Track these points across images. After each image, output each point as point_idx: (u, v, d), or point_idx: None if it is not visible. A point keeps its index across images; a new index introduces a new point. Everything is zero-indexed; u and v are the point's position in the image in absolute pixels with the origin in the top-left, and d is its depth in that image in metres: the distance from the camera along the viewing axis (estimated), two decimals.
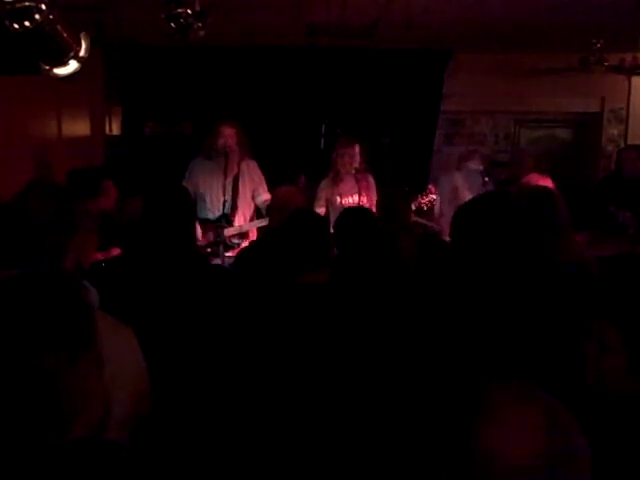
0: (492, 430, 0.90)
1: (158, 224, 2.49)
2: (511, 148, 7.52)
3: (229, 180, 4.69)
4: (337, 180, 4.91)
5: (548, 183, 3.83)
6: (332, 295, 2.24)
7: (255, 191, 4.84)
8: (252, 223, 4.74)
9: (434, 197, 4.81)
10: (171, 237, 2.46)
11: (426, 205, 4.84)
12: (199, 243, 4.63)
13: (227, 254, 4.46)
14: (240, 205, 4.80)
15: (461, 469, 0.90)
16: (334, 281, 2.28)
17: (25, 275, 1.16)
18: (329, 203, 4.91)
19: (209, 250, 4.61)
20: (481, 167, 5.89)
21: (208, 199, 4.77)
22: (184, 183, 4.74)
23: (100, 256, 3.64)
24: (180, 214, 2.53)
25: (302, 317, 2.16)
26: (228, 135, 4.64)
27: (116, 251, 3.80)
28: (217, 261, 4.42)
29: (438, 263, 3.36)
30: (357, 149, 4.85)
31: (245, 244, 4.51)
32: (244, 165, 4.79)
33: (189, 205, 2.66)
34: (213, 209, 4.74)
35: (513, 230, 2.29)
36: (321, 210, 4.82)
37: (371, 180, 5.00)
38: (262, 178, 4.88)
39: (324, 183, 5.00)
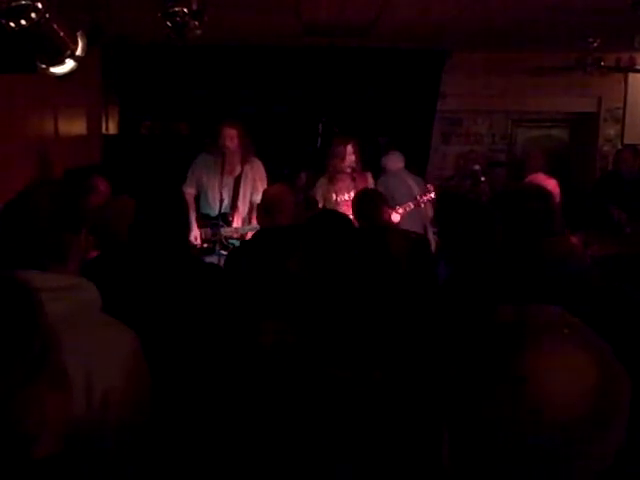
0: (538, 368, 0.80)
1: (150, 227, 2.48)
2: (508, 148, 7.55)
3: (227, 180, 4.73)
4: (333, 179, 4.93)
5: (552, 183, 3.84)
6: (325, 291, 2.24)
7: (254, 189, 4.85)
8: (250, 227, 4.74)
9: (432, 196, 4.80)
10: (163, 239, 2.45)
11: (425, 204, 4.84)
12: (195, 240, 4.67)
13: (223, 252, 4.48)
14: (240, 205, 4.83)
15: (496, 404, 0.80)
16: (325, 278, 2.28)
17: None
18: (325, 200, 4.93)
19: (205, 246, 4.64)
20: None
21: (210, 196, 4.83)
22: (189, 176, 4.86)
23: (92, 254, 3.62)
24: (171, 217, 2.51)
25: (294, 312, 2.16)
26: (229, 136, 4.67)
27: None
28: (213, 258, 4.44)
29: (424, 260, 3.38)
30: (350, 149, 4.84)
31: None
32: (247, 166, 4.82)
33: (181, 208, 2.65)
34: (213, 206, 4.80)
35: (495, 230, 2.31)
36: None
37: (370, 179, 5.00)
38: (264, 179, 4.90)
39: (321, 181, 5.05)
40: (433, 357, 2.07)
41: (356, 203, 3.85)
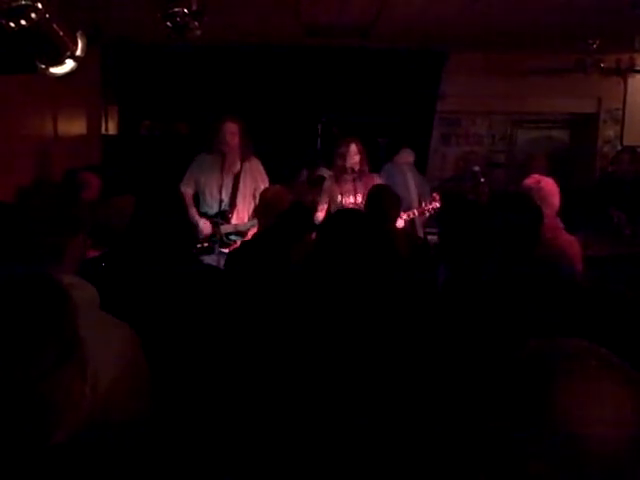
0: (570, 400, 0.77)
1: (148, 227, 2.48)
2: (507, 149, 7.55)
3: (227, 179, 4.72)
4: (338, 179, 4.90)
5: (550, 185, 3.83)
6: (329, 289, 2.23)
7: (256, 190, 4.83)
8: (249, 223, 4.74)
9: (437, 205, 4.77)
10: (161, 239, 2.45)
11: (430, 212, 4.81)
12: (202, 232, 4.66)
13: (222, 250, 4.49)
14: (239, 203, 4.82)
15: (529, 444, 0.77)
16: (331, 276, 2.27)
17: (2, 280, 1.12)
18: (331, 201, 4.91)
19: (205, 245, 4.63)
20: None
21: (207, 195, 4.84)
22: (187, 175, 4.84)
23: (92, 254, 3.61)
24: (170, 217, 2.51)
25: (298, 312, 2.16)
26: (231, 132, 4.65)
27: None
28: (212, 258, 4.44)
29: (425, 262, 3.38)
30: (354, 148, 4.81)
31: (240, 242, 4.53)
32: (247, 164, 4.81)
33: (180, 208, 2.64)
34: (211, 205, 4.79)
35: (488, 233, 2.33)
36: (323, 207, 4.87)
37: (377, 181, 4.93)
38: (265, 178, 4.89)
39: (327, 182, 5.02)
40: (431, 362, 2.07)
41: (370, 200, 3.83)
